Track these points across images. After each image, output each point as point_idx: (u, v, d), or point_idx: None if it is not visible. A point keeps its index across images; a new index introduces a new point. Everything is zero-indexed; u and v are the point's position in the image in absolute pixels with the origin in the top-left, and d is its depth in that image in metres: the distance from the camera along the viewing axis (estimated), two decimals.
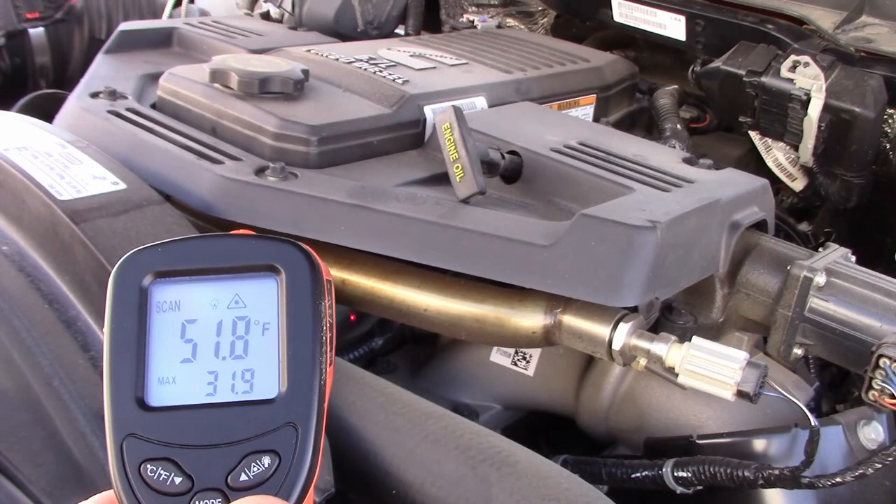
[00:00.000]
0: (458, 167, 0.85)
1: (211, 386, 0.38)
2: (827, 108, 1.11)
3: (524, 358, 1.01)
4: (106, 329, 0.39)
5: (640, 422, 0.94)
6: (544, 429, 1.09)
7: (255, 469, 0.37)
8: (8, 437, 0.60)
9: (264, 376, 0.39)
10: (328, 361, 0.40)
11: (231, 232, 0.44)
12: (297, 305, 0.39)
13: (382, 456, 0.65)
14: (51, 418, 0.62)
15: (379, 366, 1.10)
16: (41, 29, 1.42)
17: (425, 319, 0.84)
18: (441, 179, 0.90)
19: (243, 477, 0.37)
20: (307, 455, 0.37)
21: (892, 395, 0.72)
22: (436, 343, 1.11)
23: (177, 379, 0.38)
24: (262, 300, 0.40)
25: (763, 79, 1.15)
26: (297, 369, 0.38)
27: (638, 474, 0.85)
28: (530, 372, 1.01)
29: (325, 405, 0.39)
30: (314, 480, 0.38)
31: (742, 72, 1.17)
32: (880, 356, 0.73)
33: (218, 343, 0.39)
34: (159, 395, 0.38)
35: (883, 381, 0.73)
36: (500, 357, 1.03)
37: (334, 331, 0.41)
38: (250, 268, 0.40)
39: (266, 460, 0.37)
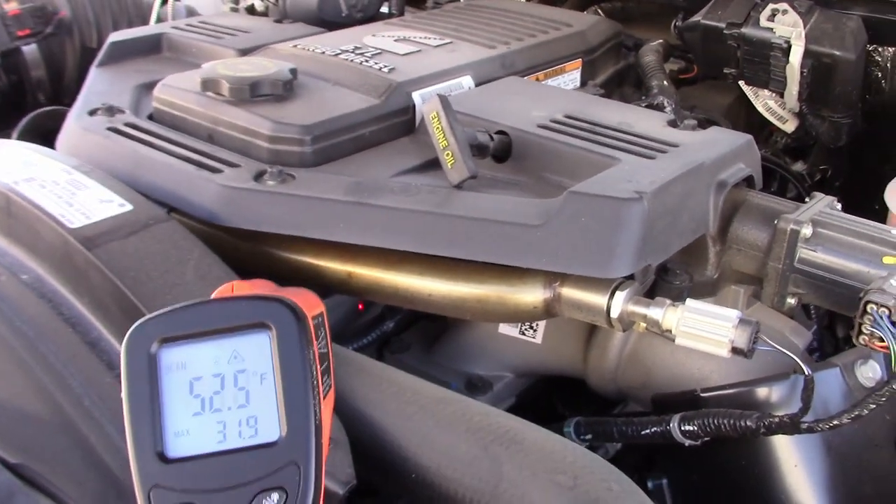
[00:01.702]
0: (448, 154, 0.88)
1: (221, 434, 0.43)
2: (808, 53, 1.13)
3: (531, 327, 1.05)
4: (124, 394, 0.43)
5: (646, 379, 0.98)
6: (559, 391, 1.13)
7: None
8: (50, 462, 0.64)
9: (266, 421, 0.43)
10: (321, 402, 0.44)
11: (221, 289, 0.49)
12: (288, 355, 0.44)
13: (399, 443, 0.69)
14: (87, 438, 0.66)
15: (393, 345, 1.14)
16: (34, 45, 1.45)
17: (430, 304, 0.87)
18: (435, 164, 0.92)
19: None
20: (310, 488, 0.42)
21: (882, 338, 0.75)
22: (447, 319, 1.14)
23: (190, 431, 0.43)
24: (257, 353, 0.44)
25: (743, 30, 1.17)
26: (293, 412, 0.43)
27: (647, 431, 0.89)
28: (538, 340, 1.05)
29: (325, 440, 0.44)
30: None
31: (722, 24, 1.19)
32: (867, 302, 0.76)
33: (223, 395, 0.44)
34: (176, 446, 0.43)
35: (872, 326, 0.76)
36: (508, 328, 1.06)
37: (331, 359, 0.45)
38: (244, 326, 0.45)
39: (275, 496, 0.42)
